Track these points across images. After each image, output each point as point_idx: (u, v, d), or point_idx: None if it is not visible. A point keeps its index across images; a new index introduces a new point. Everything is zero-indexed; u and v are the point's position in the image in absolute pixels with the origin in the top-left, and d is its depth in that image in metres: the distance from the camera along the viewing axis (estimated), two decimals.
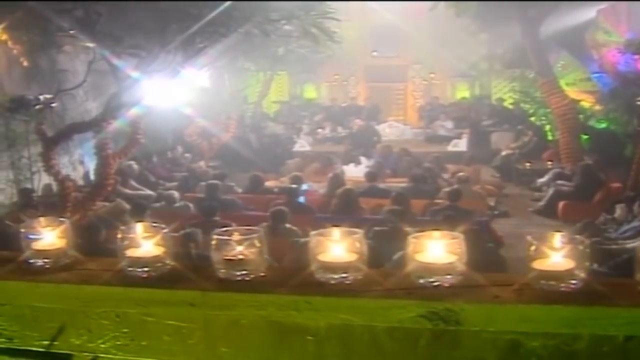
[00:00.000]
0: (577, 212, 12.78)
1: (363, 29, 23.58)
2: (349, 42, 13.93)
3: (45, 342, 2.37)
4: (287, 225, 10.39)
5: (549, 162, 17.02)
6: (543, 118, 20.17)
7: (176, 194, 12.76)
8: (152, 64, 10.39)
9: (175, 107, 15.36)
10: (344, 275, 2.30)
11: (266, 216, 10.93)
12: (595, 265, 9.50)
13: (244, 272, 2.34)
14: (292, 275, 2.36)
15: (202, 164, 17.37)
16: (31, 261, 2.53)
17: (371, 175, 13.77)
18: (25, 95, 12.64)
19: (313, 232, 2.42)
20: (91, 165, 15.09)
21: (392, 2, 21.54)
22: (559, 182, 14.82)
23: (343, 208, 11.59)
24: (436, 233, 2.36)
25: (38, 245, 2.56)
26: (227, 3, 9.64)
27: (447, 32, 21.04)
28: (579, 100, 17.76)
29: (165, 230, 2.48)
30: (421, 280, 2.24)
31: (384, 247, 8.80)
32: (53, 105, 12.25)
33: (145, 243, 2.43)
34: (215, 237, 2.41)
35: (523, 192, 16.24)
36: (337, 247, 2.36)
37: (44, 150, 11.09)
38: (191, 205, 12.31)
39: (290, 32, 13.18)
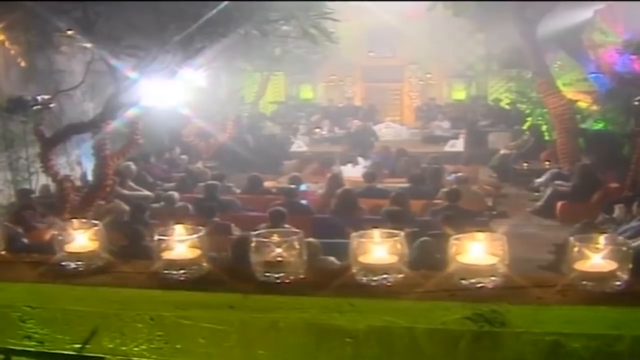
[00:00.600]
0: (575, 213, 12.77)
1: (359, 29, 23.52)
2: (345, 42, 13.94)
3: (77, 346, 2.33)
4: (286, 226, 10.37)
5: (547, 163, 17.03)
6: (540, 118, 20.17)
7: (176, 195, 12.74)
8: (151, 65, 10.36)
9: (172, 108, 15.32)
10: (384, 277, 2.29)
11: (265, 217, 10.93)
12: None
13: (283, 274, 2.32)
14: (333, 277, 2.35)
15: (199, 164, 17.35)
16: (63, 264, 2.51)
17: (370, 176, 13.75)
18: (23, 95, 12.61)
19: (354, 234, 2.40)
20: (89, 166, 15.07)
21: (388, 3, 21.54)
22: (557, 182, 14.82)
23: (342, 208, 11.57)
24: (478, 234, 2.35)
25: (70, 247, 2.54)
26: (225, 3, 9.64)
27: (443, 33, 21.07)
28: (576, 101, 17.78)
29: (200, 233, 2.46)
30: (464, 282, 2.23)
31: None
32: (51, 105, 12.22)
33: (180, 245, 2.41)
34: (254, 239, 2.38)
35: (520, 192, 16.25)
36: (378, 249, 2.35)
37: (43, 151, 11.07)
38: (190, 206, 12.30)
39: (288, 33, 13.16)
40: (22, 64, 13.76)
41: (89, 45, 12.10)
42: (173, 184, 14.67)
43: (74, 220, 2.63)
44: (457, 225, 9.86)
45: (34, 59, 14.06)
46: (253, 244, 2.36)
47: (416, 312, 2.15)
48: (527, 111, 21.04)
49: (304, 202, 12.45)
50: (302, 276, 2.33)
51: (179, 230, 2.47)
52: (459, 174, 13.58)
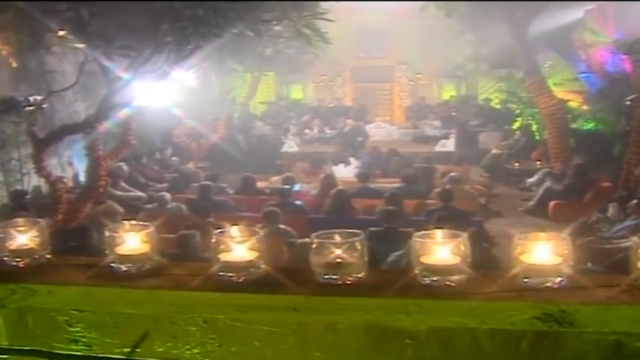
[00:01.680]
0: (568, 212, 12.82)
1: (349, 29, 23.51)
2: (335, 42, 13.96)
3: (126, 350, 2.31)
4: (282, 226, 10.37)
5: (538, 162, 17.09)
6: (530, 118, 20.23)
7: (167, 196, 12.71)
8: (145, 65, 10.32)
9: (163, 108, 15.29)
10: (447, 277, 2.28)
11: (259, 217, 10.91)
12: (590, 265, 9.55)
13: (344, 275, 2.30)
14: (394, 278, 2.34)
15: (191, 165, 17.31)
16: (114, 266, 2.48)
17: (363, 176, 13.76)
18: (15, 96, 12.54)
19: (417, 235, 2.39)
20: (80, 166, 15.02)
21: (378, 3, 21.55)
22: (549, 181, 14.87)
23: (336, 209, 11.57)
24: (542, 235, 2.34)
25: (121, 249, 2.52)
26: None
27: (433, 33, 21.09)
28: (567, 100, 17.82)
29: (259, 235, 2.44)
30: (528, 282, 2.23)
31: (380, 247, 8.81)
32: (44, 106, 12.15)
33: (238, 247, 2.39)
34: (315, 240, 2.37)
35: (512, 192, 16.31)
36: (441, 249, 2.34)
37: (35, 152, 10.99)
38: (183, 206, 12.28)
39: (280, 33, 13.14)
40: (14, 64, 13.68)
41: (80, 45, 12.07)
42: (165, 185, 14.62)
43: (126, 222, 2.61)
44: (452, 226, 9.93)
45: (25, 59, 13.98)
46: (314, 245, 2.35)
47: (484, 312, 2.14)
48: (517, 111, 21.09)
49: (298, 202, 12.43)
50: (362, 277, 2.32)
51: (236, 232, 2.45)
52: (452, 174, 13.58)
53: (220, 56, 15.67)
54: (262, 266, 2.40)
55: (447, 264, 2.31)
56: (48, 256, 2.66)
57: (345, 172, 16.34)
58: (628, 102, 14.06)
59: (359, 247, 2.36)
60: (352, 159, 17.64)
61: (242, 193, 13.59)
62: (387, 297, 2.21)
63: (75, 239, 9.25)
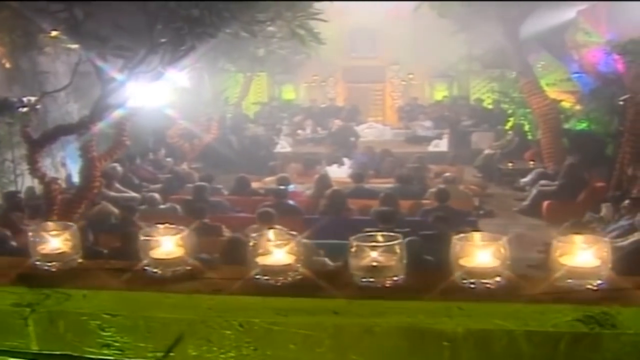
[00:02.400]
0: (562, 212, 12.85)
1: (341, 29, 23.49)
2: (327, 43, 13.96)
3: (160, 354, 2.29)
4: (277, 227, 10.35)
5: (531, 162, 17.14)
6: (522, 118, 20.27)
7: (157, 196, 12.72)
8: (139, 66, 10.29)
9: (156, 109, 15.25)
10: (487, 280, 2.28)
11: (253, 218, 10.92)
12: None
13: (383, 278, 2.30)
14: (433, 281, 2.34)
15: (184, 165, 17.29)
16: (149, 270, 2.47)
17: (358, 176, 13.77)
18: (9, 97, 12.50)
19: (456, 237, 2.39)
20: (73, 167, 14.99)
21: (370, 3, 21.57)
22: (543, 181, 14.92)
23: (331, 209, 11.57)
24: (580, 237, 2.35)
25: (156, 253, 2.50)
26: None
27: (425, 33, 21.10)
28: (560, 101, 17.88)
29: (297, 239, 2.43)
30: (569, 282, 2.23)
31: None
32: (38, 107, 12.12)
33: (277, 251, 2.39)
34: (354, 243, 2.36)
35: (505, 191, 16.34)
36: (480, 252, 2.34)
37: (30, 153, 10.97)
38: (178, 207, 12.28)
39: (274, 33, 13.14)
40: (7, 65, 13.64)
41: (73, 46, 12.04)
42: (159, 186, 14.61)
43: (160, 226, 2.59)
44: (448, 226, 9.95)
45: (18, 60, 13.94)
46: (353, 248, 2.34)
47: (526, 315, 2.14)
48: (510, 111, 21.13)
49: (291, 202, 12.42)
50: (400, 280, 2.32)
51: (273, 236, 2.44)
52: (447, 174, 13.60)
53: (213, 56, 15.65)
54: (300, 269, 2.38)
55: (486, 267, 2.32)
56: (80, 260, 2.64)
57: (339, 173, 16.32)
58: (621, 102, 14.11)
59: (398, 250, 2.36)
60: (345, 160, 17.62)
61: (237, 194, 13.58)
62: (428, 300, 2.20)
63: None
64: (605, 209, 11.86)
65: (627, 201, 11.21)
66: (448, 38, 19.57)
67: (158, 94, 13.76)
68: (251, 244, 2.41)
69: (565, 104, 18.22)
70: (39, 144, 11.00)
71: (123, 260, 2.73)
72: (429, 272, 2.50)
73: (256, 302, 2.26)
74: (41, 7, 10.72)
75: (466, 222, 11.26)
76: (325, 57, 21.08)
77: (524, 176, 16.26)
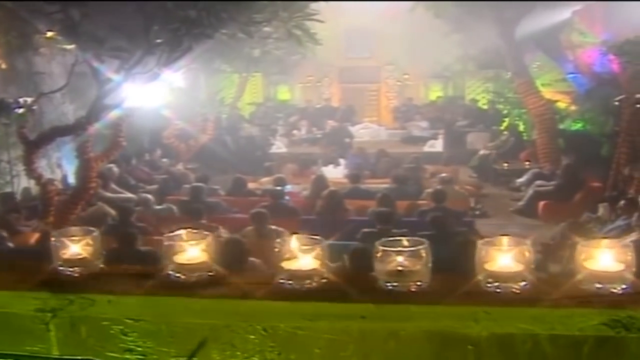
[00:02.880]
0: (558, 212, 12.90)
1: (336, 30, 23.47)
2: (322, 43, 13.97)
3: (182, 359, 2.28)
4: (273, 227, 10.36)
5: (526, 163, 17.16)
6: (517, 118, 20.29)
7: (150, 197, 12.71)
8: (136, 67, 10.28)
9: (152, 109, 15.25)
10: (512, 284, 2.29)
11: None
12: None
13: (408, 282, 2.30)
14: (457, 285, 2.35)
15: (180, 166, 17.27)
16: (172, 275, 2.47)
17: (354, 177, 13.77)
18: (5, 98, 12.47)
19: (481, 242, 2.39)
20: (69, 168, 14.95)
21: (365, 4, 21.57)
22: (539, 182, 14.93)
23: (328, 210, 11.57)
24: (605, 242, 2.36)
25: (180, 259, 2.50)
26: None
27: (420, 34, 21.12)
28: (556, 101, 17.90)
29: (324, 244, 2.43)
30: (593, 286, 2.24)
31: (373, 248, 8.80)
32: (34, 108, 12.09)
33: (303, 256, 2.38)
34: (380, 248, 2.37)
35: (501, 192, 16.36)
36: (505, 256, 2.35)
37: (26, 154, 10.95)
38: (174, 207, 12.27)
39: (269, 34, 13.16)
40: (2, 66, 13.61)
41: (68, 47, 12.02)
42: (155, 187, 14.59)
43: (184, 232, 2.59)
44: (445, 226, 9.96)
45: (14, 61, 13.91)
46: (379, 253, 2.34)
47: (552, 319, 2.14)
48: (505, 111, 21.14)
49: (288, 203, 12.41)
50: (425, 284, 2.32)
51: (299, 241, 2.44)
52: (443, 175, 13.60)
53: (209, 57, 15.66)
54: (325, 275, 2.38)
55: (511, 271, 2.32)
56: (101, 265, 2.64)
57: (335, 173, 16.32)
58: (617, 103, 14.14)
59: (423, 255, 2.36)
60: (341, 160, 17.62)
61: (234, 194, 13.57)
62: (454, 305, 2.20)
63: None
64: (602, 209, 11.89)
65: (623, 201, 11.22)
66: (443, 38, 19.61)
67: (154, 95, 13.75)
68: (276, 249, 2.41)
69: (561, 105, 18.24)
70: (35, 145, 10.98)
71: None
72: (453, 276, 2.50)
73: (282, 307, 2.26)
74: (37, 8, 10.73)
75: (462, 222, 11.28)
76: (321, 58, 21.10)
77: (519, 176, 16.28)
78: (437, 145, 20.53)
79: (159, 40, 10.16)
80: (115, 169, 14.49)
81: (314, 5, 12.07)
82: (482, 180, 17.07)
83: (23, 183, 13.40)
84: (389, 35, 23.90)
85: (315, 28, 12.25)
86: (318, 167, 16.75)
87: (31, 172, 10.98)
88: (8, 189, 13.49)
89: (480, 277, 2.34)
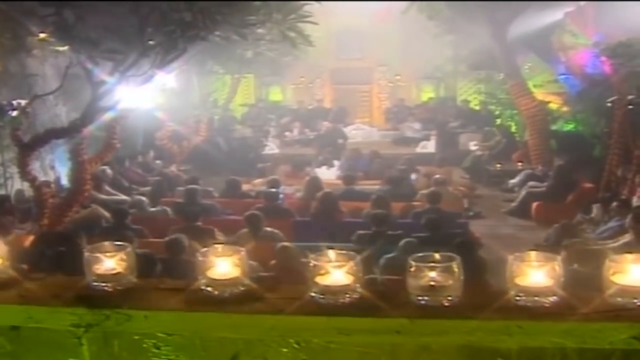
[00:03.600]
0: (551, 213, 12.96)
1: (328, 31, 23.47)
2: (314, 44, 14.01)
3: None
4: (268, 229, 10.38)
5: (519, 163, 17.22)
6: (509, 119, 20.36)
7: (144, 199, 12.71)
8: (131, 69, 10.26)
9: (145, 111, 15.22)
10: (542, 299, 2.31)
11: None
12: (575, 266, 9.64)
13: (440, 297, 2.32)
14: (488, 299, 2.37)
15: (173, 168, 17.27)
16: (206, 290, 2.48)
17: (348, 178, 13.79)
18: None
19: (512, 256, 2.42)
20: (62, 170, 14.94)
21: (357, 5, 21.58)
22: (531, 183, 14.98)
23: (323, 212, 11.59)
24: (631, 256, 2.38)
25: (213, 273, 2.51)
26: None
27: (412, 35, 21.17)
28: (548, 102, 17.96)
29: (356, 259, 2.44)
30: (622, 300, 2.26)
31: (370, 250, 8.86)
32: (28, 110, 12.05)
33: (336, 271, 2.39)
34: (412, 262, 2.39)
35: (494, 193, 16.40)
36: (536, 271, 2.38)
37: (20, 156, 10.91)
38: (169, 209, 12.28)
39: (263, 35, 13.15)
40: None
41: (61, 48, 12.00)
42: (149, 188, 14.57)
43: (217, 246, 2.60)
44: (440, 228, 10.00)
45: (6, 63, 13.88)
46: (412, 268, 2.36)
47: (584, 332, 2.16)
48: (497, 112, 21.19)
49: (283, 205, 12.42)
50: (457, 298, 2.33)
51: (333, 256, 2.45)
52: (437, 176, 13.63)
53: (201, 58, 15.65)
54: (359, 289, 2.40)
55: (541, 286, 2.35)
56: (134, 280, 2.65)
57: (328, 175, 16.33)
58: (609, 104, 14.20)
59: (456, 270, 2.39)
60: (335, 161, 17.64)
61: (228, 196, 13.56)
62: (488, 319, 2.22)
63: (62, 244, 9.22)
64: (595, 210, 11.94)
65: (615, 202, 11.28)
66: (435, 40, 19.67)
67: (146, 96, 13.73)
68: (311, 264, 2.41)
69: (553, 106, 18.30)
70: (29, 147, 10.95)
71: None
72: (484, 291, 2.52)
73: (315, 321, 2.26)
74: (30, 9, 10.72)
75: (457, 224, 11.31)
76: (313, 59, 21.10)
77: (512, 177, 16.33)
78: (429, 146, 20.56)
79: (151, 42, 10.15)
80: (108, 170, 14.47)
81: (306, 6, 12.09)
82: (475, 181, 17.10)
83: (16, 185, 13.36)
84: (381, 36, 23.93)
85: (307, 29, 12.27)
86: (311, 168, 16.74)
87: (25, 174, 10.95)
88: (2, 192, 13.44)
89: (511, 291, 2.36)
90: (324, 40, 22.44)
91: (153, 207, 12.68)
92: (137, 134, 18.14)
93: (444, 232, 9.92)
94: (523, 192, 14.71)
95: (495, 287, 2.53)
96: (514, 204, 14.66)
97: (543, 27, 17.25)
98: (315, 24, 12.00)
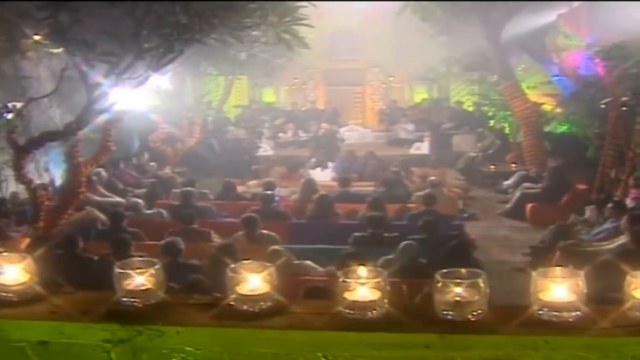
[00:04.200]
0: (545, 214, 13.03)
1: (321, 32, 23.45)
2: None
3: None
4: (264, 231, 10.39)
5: (513, 165, 17.27)
6: (502, 120, 20.38)
7: (140, 201, 12.71)
8: (127, 72, 10.26)
9: (139, 113, 15.21)
10: (565, 313, 2.34)
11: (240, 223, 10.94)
12: (571, 267, 9.68)
13: (466, 312, 2.34)
14: (512, 314, 2.39)
15: (167, 170, 17.26)
16: (236, 305, 2.50)
17: (344, 180, 13.80)
18: None
19: (535, 272, 2.45)
20: (56, 172, 14.92)
21: (350, 6, 21.62)
22: (526, 184, 15.03)
23: (319, 214, 11.60)
24: None
25: (243, 289, 2.53)
26: None
27: (405, 36, 21.21)
28: (542, 104, 18.00)
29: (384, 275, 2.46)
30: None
31: (366, 252, 8.89)
32: (24, 113, 12.03)
33: (363, 287, 2.41)
34: (439, 279, 2.42)
35: (488, 194, 16.44)
36: (559, 287, 2.41)
37: (16, 159, 10.89)
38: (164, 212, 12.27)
39: (258, 37, 13.16)
40: None
41: (55, 50, 11.97)
42: (143, 190, 14.56)
43: (246, 262, 2.62)
44: (437, 230, 10.04)
45: (1, 65, 13.86)
46: (439, 284, 2.39)
47: (607, 347, 2.20)
48: (490, 113, 21.21)
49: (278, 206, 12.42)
50: (482, 314, 2.35)
51: (362, 272, 2.47)
52: (432, 178, 13.65)
53: (195, 60, 15.63)
54: (386, 305, 2.42)
55: (565, 301, 2.38)
56: (163, 296, 2.66)
57: (322, 176, 16.34)
58: (603, 106, 14.25)
59: (482, 285, 2.41)
60: (329, 163, 17.65)
61: (223, 198, 13.57)
62: (515, 334, 2.25)
63: (61, 247, 9.23)
64: (589, 212, 11.99)
65: (610, 204, 11.32)
66: (428, 40, 19.70)
67: (141, 99, 13.72)
68: (341, 279, 2.44)
69: (546, 107, 18.34)
70: (25, 150, 10.93)
71: None
72: (509, 306, 2.54)
73: (344, 336, 2.28)
74: (25, 12, 10.71)
75: (453, 226, 11.34)
76: (306, 60, 21.11)
77: (506, 179, 16.38)
78: (423, 148, 20.58)
79: (147, 45, 10.14)
80: (103, 173, 14.46)
81: (302, 9, 12.11)
82: (469, 183, 17.14)
83: (11, 188, 13.34)
84: (374, 38, 23.97)
85: (301, 31, 12.29)
86: (305, 170, 16.75)
87: (21, 177, 10.93)
88: None
89: (534, 306, 2.39)
90: (317, 41, 22.46)
91: (148, 209, 12.66)
92: (131, 136, 18.12)
93: (440, 234, 9.96)
94: (517, 194, 14.76)
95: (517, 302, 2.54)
96: (508, 206, 14.71)
97: (536, 29, 17.31)
98: (311, 26, 12.02)
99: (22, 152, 10.92)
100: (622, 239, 9.84)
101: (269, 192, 12.39)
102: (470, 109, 22.83)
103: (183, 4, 9.53)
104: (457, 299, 2.38)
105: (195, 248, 9.25)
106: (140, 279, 2.67)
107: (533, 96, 17.83)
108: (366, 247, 9.61)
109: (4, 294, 2.70)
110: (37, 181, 12.74)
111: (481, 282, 2.42)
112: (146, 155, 17.67)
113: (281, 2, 11.57)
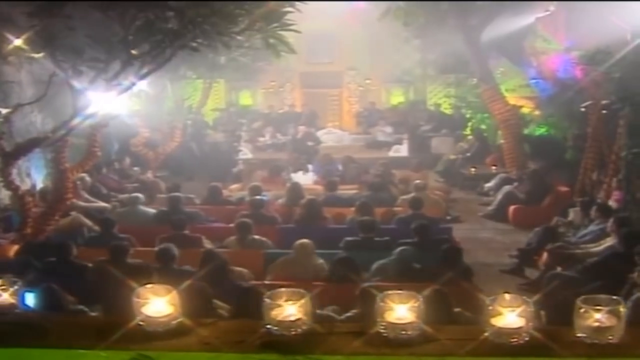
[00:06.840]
0: (528, 216, 13.19)
1: (298, 35, 23.42)
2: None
3: None
4: (256, 237, 10.43)
5: (493, 167, 17.41)
6: (480, 123, 20.51)
7: (141, 196, 12.75)
8: (115, 78, 10.22)
9: (120, 117, 15.14)
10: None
11: (229, 228, 10.96)
12: (559, 269, 9.82)
13: (605, 336, 2.40)
14: None
15: (149, 174, 17.21)
16: (383, 332, 2.54)
17: (331, 185, 13.83)
18: None
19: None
20: (38, 177, 14.83)
21: (327, 9, 21.66)
22: (507, 186, 15.14)
23: (307, 218, 11.63)
24: None
25: (390, 317, 2.58)
26: None
27: (381, 38, 21.31)
28: (521, 106, 18.17)
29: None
30: None
31: (357, 256, 8.97)
32: (11, 119, 11.93)
33: (509, 314, 2.47)
34: (580, 305, 2.48)
35: (469, 196, 16.56)
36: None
37: (3, 165, 10.83)
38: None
39: (242, 43, 13.14)
40: None
41: (36, 55, 11.88)
42: (126, 196, 14.49)
43: (395, 293, 2.65)
44: (429, 234, 10.12)
45: None
46: (581, 309, 2.45)
47: None
48: (468, 115, 21.34)
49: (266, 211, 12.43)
50: (620, 337, 2.42)
51: (509, 300, 2.52)
52: (417, 181, 13.71)
53: (175, 63, 15.57)
54: (532, 331, 2.48)
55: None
56: (312, 325, 2.69)
57: (304, 180, 16.37)
58: (583, 109, 14.42)
59: (621, 311, 2.48)
60: (309, 166, 17.69)
61: (209, 203, 13.55)
62: None
63: (54, 254, 9.20)
64: (573, 214, 12.13)
65: (595, 206, 11.46)
66: (403, 43, 19.80)
67: (122, 103, 13.66)
68: (490, 307, 2.49)
69: (525, 110, 18.52)
70: (12, 156, 10.86)
71: None
72: None
73: None
74: (8, 17, 10.65)
75: (441, 229, 11.43)
76: (283, 63, 21.11)
77: (486, 181, 16.52)
78: (402, 150, 20.69)
79: (134, 52, 10.10)
80: (87, 178, 14.39)
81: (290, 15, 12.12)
82: (449, 185, 17.24)
83: None
84: (350, 40, 24.07)
85: (288, 36, 12.29)
86: (287, 173, 16.77)
87: (9, 183, 10.90)
88: None
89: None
90: (293, 44, 22.49)
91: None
92: (110, 140, 18.04)
93: (431, 238, 10.05)
94: (499, 196, 14.87)
95: None
96: (490, 208, 14.82)
97: (515, 32, 17.47)
98: (298, 32, 12.02)
99: (9, 158, 10.86)
100: (609, 241, 9.99)
101: (257, 197, 12.36)
102: (448, 111, 22.94)
103: (176, 10, 9.50)
104: (596, 324, 2.45)
105: (187, 254, 9.22)
106: (291, 309, 2.73)
107: (512, 99, 17.99)
108: (358, 251, 9.69)
109: (152, 326, 2.75)
110: (23, 187, 12.69)
111: (621, 309, 2.50)
112: (127, 160, 17.57)
113: (269, 8, 11.55)
